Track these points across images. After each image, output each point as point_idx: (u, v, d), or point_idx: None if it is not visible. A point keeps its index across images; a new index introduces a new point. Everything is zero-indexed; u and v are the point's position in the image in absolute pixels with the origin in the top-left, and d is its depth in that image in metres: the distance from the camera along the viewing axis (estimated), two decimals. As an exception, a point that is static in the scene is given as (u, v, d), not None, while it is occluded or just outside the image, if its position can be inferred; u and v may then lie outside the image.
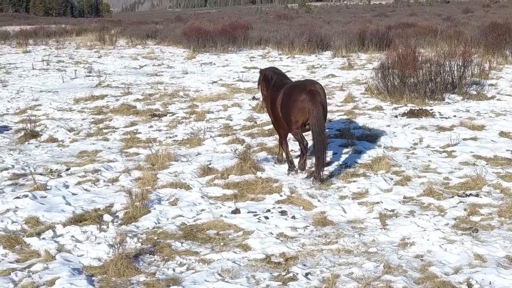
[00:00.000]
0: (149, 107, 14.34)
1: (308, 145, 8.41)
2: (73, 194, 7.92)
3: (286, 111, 8.18)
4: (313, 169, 8.28)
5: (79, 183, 8.42)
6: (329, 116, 12.42)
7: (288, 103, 8.13)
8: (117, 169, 9.12)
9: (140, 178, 8.49)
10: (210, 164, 9.10)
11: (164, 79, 19.48)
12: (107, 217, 6.98)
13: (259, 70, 9.90)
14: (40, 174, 8.90)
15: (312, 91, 7.93)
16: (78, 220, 6.88)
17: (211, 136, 11.01)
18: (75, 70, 21.65)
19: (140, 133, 11.68)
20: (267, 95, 9.04)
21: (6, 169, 9.18)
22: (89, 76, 20.54)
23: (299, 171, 8.56)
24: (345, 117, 12.39)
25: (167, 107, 14.32)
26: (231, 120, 12.48)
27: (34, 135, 11.46)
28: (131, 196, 7.24)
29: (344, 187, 7.95)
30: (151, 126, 12.25)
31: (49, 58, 26.92)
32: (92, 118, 13.32)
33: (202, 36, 29.51)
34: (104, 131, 11.99)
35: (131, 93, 16.27)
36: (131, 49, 32.32)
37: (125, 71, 22.00)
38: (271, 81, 8.92)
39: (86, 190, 8.12)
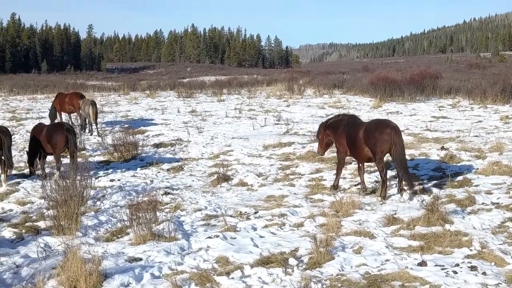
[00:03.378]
0: (333, 155, 14.47)
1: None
2: (261, 236, 8.23)
3: (373, 142, 9.77)
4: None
5: (266, 226, 8.74)
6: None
7: (374, 135, 9.75)
8: (302, 214, 9.32)
9: (325, 224, 8.60)
10: (395, 213, 8.97)
11: (350, 127, 19.58)
12: (292, 261, 7.13)
13: (320, 123, 11.52)
14: (231, 216, 9.37)
15: (395, 127, 9.87)
16: (265, 262, 7.12)
17: (396, 186, 10.82)
18: (265, 118, 22.63)
19: (325, 180, 11.85)
20: (338, 135, 10.66)
21: (200, 210, 9.81)
22: (278, 124, 21.35)
23: (380, 199, 10.00)
24: (543, 170, 11.52)
25: (353, 155, 14.35)
26: (417, 170, 12.18)
27: (226, 178, 12.13)
28: (315, 241, 7.34)
29: (542, 245, 7.36)
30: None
31: (241, 106, 28.40)
32: (280, 164, 13.78)
33: (389, 85, 29.35)
34: (291, 177, 12.34)
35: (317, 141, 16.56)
36: (318, 98, 33.00)
37: (312, 120, 22.52)
38: (341, 123, 10.67)
39: (272, 233, 8.39)
